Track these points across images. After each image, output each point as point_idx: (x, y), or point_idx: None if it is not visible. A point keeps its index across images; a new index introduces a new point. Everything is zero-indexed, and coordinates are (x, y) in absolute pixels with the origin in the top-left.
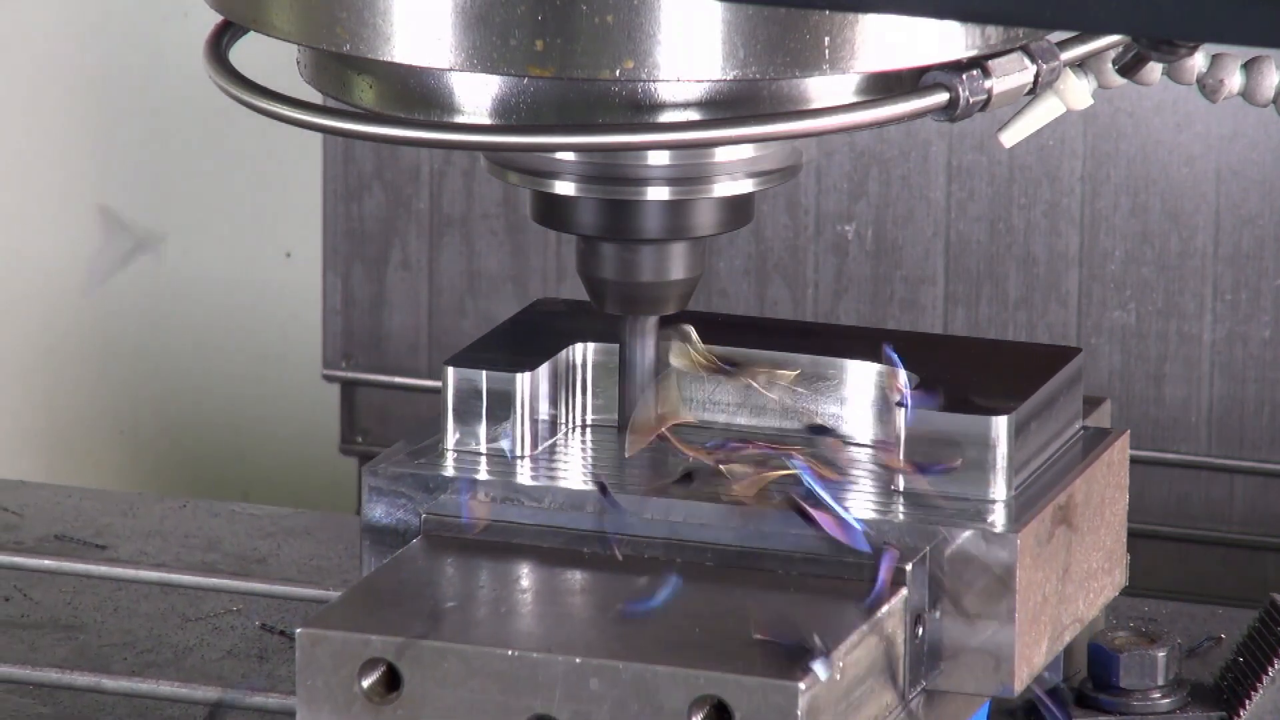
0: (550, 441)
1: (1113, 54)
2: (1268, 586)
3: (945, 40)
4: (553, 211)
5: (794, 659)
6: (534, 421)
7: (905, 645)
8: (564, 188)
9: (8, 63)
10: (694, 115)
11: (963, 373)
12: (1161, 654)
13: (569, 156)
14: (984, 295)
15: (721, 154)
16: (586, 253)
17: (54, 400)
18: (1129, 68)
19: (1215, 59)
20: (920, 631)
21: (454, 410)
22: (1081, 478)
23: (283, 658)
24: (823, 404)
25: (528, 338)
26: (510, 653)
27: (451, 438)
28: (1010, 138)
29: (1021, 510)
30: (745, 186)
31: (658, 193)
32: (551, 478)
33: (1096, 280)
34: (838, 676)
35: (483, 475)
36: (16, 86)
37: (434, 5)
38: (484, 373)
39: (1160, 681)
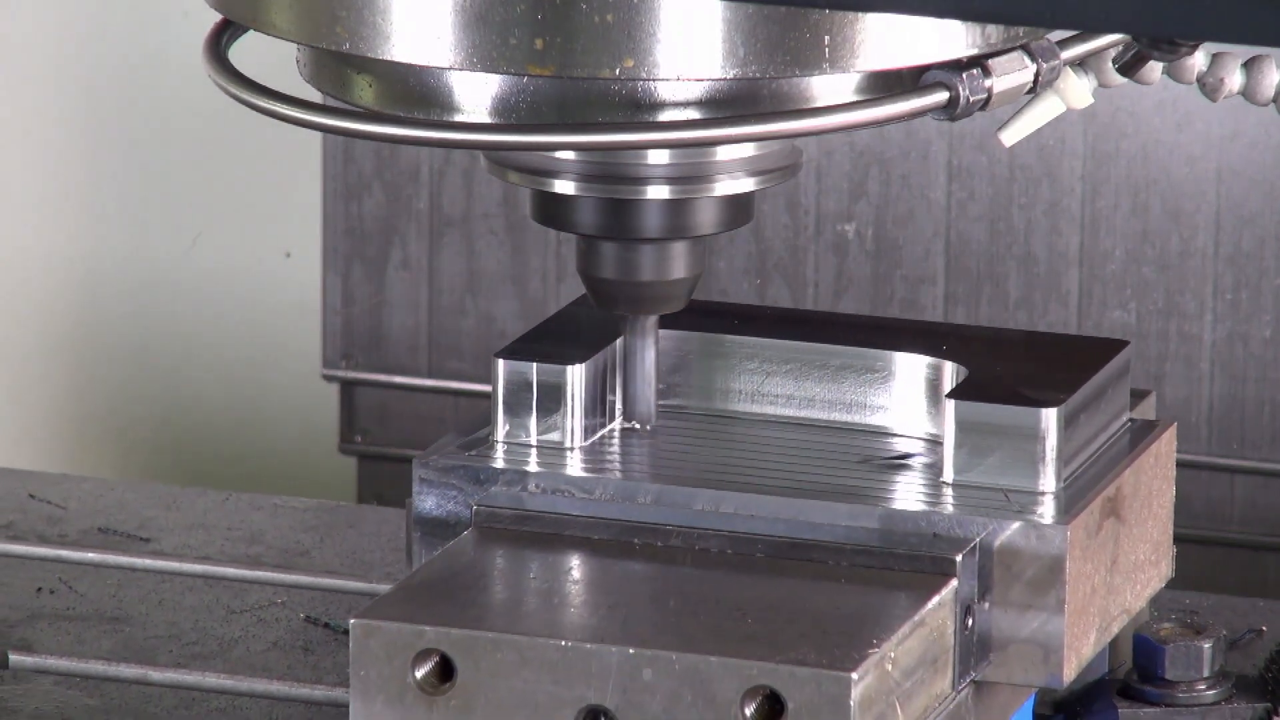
0: (600, 433)
1: (1113, 53)
2: (1268, 587)
3: (945, 39)
4: (553, 211)
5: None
6: (584, 413)
7: (955, 636)
8: (564, 187)
9: (6, 62)
10: (694, 114)
11: (1011, 364)
12: (1207, 645)
13: (569, 155)
14: (984, 295)
15: (722, 153)
16: (587, 252)
17: (52, 400)
18: (1129, 67)
19: (1215, 58)
20: (970, 623)
21: (504, 403)
22: (1130, 469)
23: (327, 650)
24: (871, 396)
25: (576, 330)
26: (563, 643)
27: (502, 430)
28: (1010, 137)
29: (1071, 502)
30: (746, 185)
31: (658, 192)
32: (602, 469)
33: (1096, 280)
34: (889, 668)
35: (533, 467)
36: (15, 86)
37: (434, 4)
38: (535, 365)
39: (1206, 673)
